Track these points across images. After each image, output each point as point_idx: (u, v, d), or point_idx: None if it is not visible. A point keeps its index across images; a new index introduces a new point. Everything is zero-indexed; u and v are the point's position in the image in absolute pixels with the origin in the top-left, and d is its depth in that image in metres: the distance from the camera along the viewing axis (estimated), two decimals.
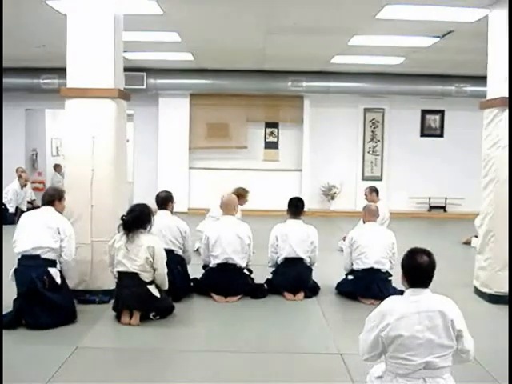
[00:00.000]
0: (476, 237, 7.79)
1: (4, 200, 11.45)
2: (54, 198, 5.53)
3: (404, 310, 3.17)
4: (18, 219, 5.61)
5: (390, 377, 3.20)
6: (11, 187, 11.60)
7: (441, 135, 14.31)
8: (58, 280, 5.26)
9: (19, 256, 5.28)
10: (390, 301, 3.31)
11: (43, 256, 5.22)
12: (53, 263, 5.28)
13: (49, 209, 5.47)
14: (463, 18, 7.55)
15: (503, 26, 6.27)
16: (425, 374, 3.12)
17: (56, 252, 5.30)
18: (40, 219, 5.36)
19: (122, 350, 4.91)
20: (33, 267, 5.18)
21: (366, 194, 9.14)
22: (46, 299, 5.15)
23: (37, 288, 5.11)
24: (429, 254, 3.30)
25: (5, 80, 12.49)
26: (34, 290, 5.13)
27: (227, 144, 13.96)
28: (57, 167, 14.87)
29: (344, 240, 8.85)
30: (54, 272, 5.25)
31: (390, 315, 3.17)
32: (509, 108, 6.14)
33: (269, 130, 14.23)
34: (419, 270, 3.25)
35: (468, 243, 9.38)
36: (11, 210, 11.39)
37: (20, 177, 11.90)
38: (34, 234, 5.26)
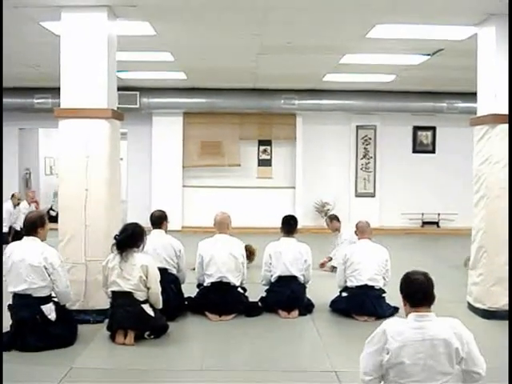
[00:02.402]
0: None
1: None
2: (35, 225, 5.28)
3: (408, 337, 3.12)
4: (12, 238, 5.54)
5: None
6: (4, 207, 11.57)
7: (433, 151, 14.41)
8: (53, 316, 5.17)
9: (12, 293, 5.20)
10: (394, 324, 3.24)
11: (35, 295, 5.12)
12: (46, 299, 5.19)
13: (32, 240, 5.24)
14: (453, 37, 7.64)
15: (492, 44, 6.37)
16: None
17: (48, 287, 5.19)
18: (25, 257, 5.10)
19: (117, 369, 4.88)
20: (25, 306, 5.11)
21: (327, 225, 9.35)
22: (41, 333, 5.11)
23: (31, 325, 5.09)
24: (424, 274, 3.31)
25: None
26: (27, 328, 5.10)
27: (221, 162, 14.00)
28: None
29: (322, 266, 8.92)
30: (47, 309, 5.16)
31: (393, 340, 3.12)
32: (509, 122, 6.19)
33: (262, 148, 14.29)
34: (417, 290, 3.23)
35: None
36: (4, 229, 11.36)
37: (13, 196, 11.89)
38: (21, 275, 5.08)
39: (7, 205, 11.65)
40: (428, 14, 6.72)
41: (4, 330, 5.19)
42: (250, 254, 8.81)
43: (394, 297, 6.19)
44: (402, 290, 3.33)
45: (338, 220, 9.29)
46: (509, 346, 3.11)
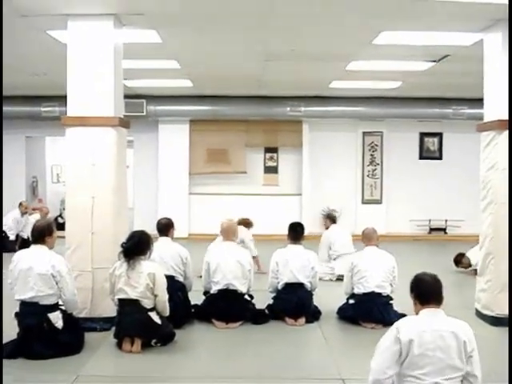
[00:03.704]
0: None
1: (4, 227, 11.50)
2: (43, 233, 5.29)
3: (418, 329, 3.22)
4: (19, 247, 5.54)
5: None
6: (11, 215, 11.65)
7: (439, 157, 14.37)
8: (60, 324, 5.17)
9: (19, 301, 5.21)
10: (405, 320, 3.39)
11: (42, 303, 5.12)
12: (53, 307, 5.20)
13: (39, 248, 5.26)
14: (459, 43, 7.63)
15: (498, 50, 6.37)
16: None
17: (55, 295, 5.19)
18: (32, 265, 5.11)
19: (124, 377, 4.88)
20: (32, 314, 5.11)
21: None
22: (47, 341, 5.12)
23: (38, 332, 5.09)
24: (433, 275, 3.44)
25: (5, 108, 12.54)
26: (34, 335, 5.11)
27: (227, 169, 14.00)
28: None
29: None
30: (54, 317, 5.16)
31: (404, 333, 3.21)
32: (509, 127, 6.18)
33: (268, 155, 14.29)
34: (428, 287, 3.37)
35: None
36: (12, 237, 11.43)
37: (20, 205, 11.96)
38: (28, 283, 5.09)
39: (15, 213, 11.72)
40: (434, 21, 6.71)
41: (11, 338, 5.20)
42: (247, 224, 9.11)
43: (401, 304, 6.20)
44: (412, 289, 3.44)
45: (331, 221, 9.56)
46: (509, 347, 3.13)
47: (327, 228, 9.45)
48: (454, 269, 9.27)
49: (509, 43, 6.12)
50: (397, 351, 3.20)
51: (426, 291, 3.36)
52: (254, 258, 8.45)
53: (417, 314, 3.39)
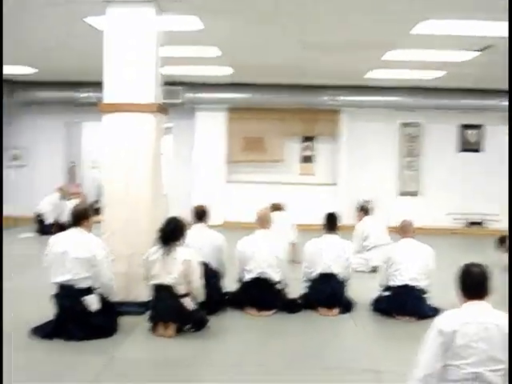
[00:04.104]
0: None
1: (42, 211, 11.72)
2: (81, 217, 5.40)
3: (461, 319, 3.22)
4: (55, 231, 5.61)
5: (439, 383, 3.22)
6: (49, 199, 11.86)
7: (479, 150, 14.11)
8: (95, 307, 5.25)
9: (55, 284, 5.31)
10: (448, 313, 3.36)
11: (77, 286, 5.21)
12: (88, 290, 5.27)
13: (77, 232, 5.35)
14: (502, 33, 7.45)
15: None
16: None
17: (91, 278, 5.26)
18: (68, 249, 5.21)
19: (157, 361, 4.94)
20: (67, 297, 5.21)
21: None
22: (82, 323, 5.21)
23: (73, 315, 5.19)
24: (482, 266, 3.41)
25: (45, 93, 12.84)
26: (69, 317, 5.21)
27: (263, 158, 13.99)
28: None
29: None
30: (89, 299, 5.23)
31: (445, 324, 3.22)
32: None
33: (305, 144, 14.23)
34: (474, 282, 3.33)
35: None
36: (49, 220, 11.64)
37: (60, 189, 12.17)
38: (64, 266, 5.19)
39: (53, 197, 11.91)
40: (477, 10, 6.56)
41: (46, 320, 5.30)
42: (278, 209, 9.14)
43: (436, 297, 6.13)
44: (458, 281, 3.40)
45: (365, 213, 9.52)
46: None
47: (360, 220, 9.38)
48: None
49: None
50: (442, 343, 3.20)
51: (472, 284, 3.33)
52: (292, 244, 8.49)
53: (461, 305, 3.36)
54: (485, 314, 3.24)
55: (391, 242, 8.70)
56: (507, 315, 3.29)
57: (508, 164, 6.15)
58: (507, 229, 10.60)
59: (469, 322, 3.20)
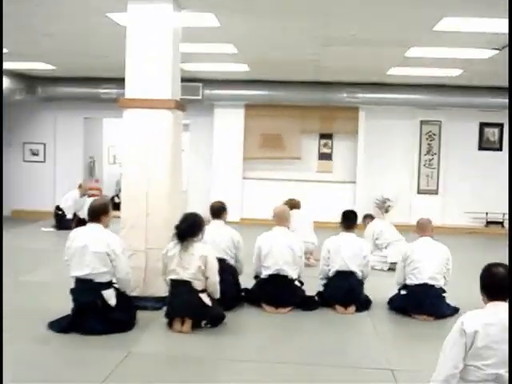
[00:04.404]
0: None
1: (63, 206, 11.86)
2: (99, 213, 5.43)
3: (482, 320, 3.20)
4: (75, 225, 5.66)
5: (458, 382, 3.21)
6: (71, 195, 12.00)
7: (499, 149, 13.96)
8: (113, 301, 5.28)
9: (74, 278, 5.35)
10: (470, 313, 3.34)
11: (96, 280, 5.24)
12: (107, 285, 5.31)
13: (95, 227, 5.39)
14: None
15: None
16: None
17: (109, 273, 5.30)
18: (88, 243, 5.24)
19: (173, 356, 4.96)
20: (86, 291, 5.24)
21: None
22: (100, 318, 5.24)
23: (91, 309, 5.23)
24: (505, 266, 3.36)
25: (65, 89, 12.95)
26: (87, 311, 5.25)
27: (281, 155, 13.96)
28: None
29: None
30: (108, 294, 5.27)
31: (467, 324, 3.20)
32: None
33: (323, 142, 14.17)
34: (497, 282, 3.30)
35: None
36: (69, 215, 11.78)
37: (80, 186, 12.32)
38: (83, 261, 5.22)
39: (74, 193, 12.08)
40: (497, 7, 6.49)
41: (64, 314, 5.35)
42: (294, 206, 8.96)
43: (454, 297, 6.09)
44: (482, 280, 3.38)
45: (371, 219, 9.59)
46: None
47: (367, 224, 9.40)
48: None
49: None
50: (464, 344, 3.19)
51: (496, 285, 3.29)
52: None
53: (485, 305, 3.34)
54: (506, 315, 3.21)
55: (403, 238, 8.71)
56: None
57: (508, 164, 6.08)
58: None
59: (491, 323, 3.17)
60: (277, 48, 9.34)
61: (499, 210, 13.58)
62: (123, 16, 6.60)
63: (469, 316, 3.28)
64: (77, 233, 5.48)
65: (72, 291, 5.35)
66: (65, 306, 5.39)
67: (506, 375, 3.11)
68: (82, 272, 5.25)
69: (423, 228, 6.58)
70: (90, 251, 5.22)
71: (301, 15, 7.22)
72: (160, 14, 6.18)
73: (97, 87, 12.83)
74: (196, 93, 12.69)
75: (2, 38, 7.08)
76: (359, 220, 6.99)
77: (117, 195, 14.90)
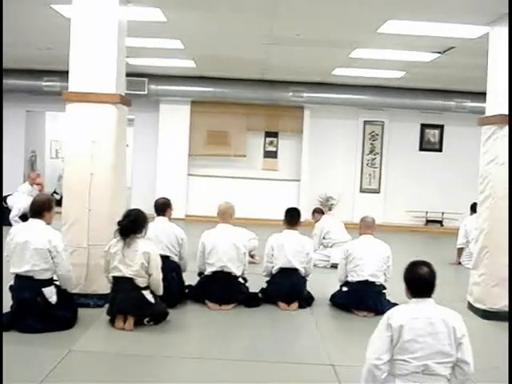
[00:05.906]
0: None
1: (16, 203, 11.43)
2: (42, 209, 5.30)
3: (408, 315, 3.31)
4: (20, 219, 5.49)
5: (388, 378, 3.29)
6: (23, 189, 11.59)
7: (440, 150, 14.36)
8: (53, 299, 5.19)
9: (14, 274, 5.21)
10: (396, 308, 3.48)
11: (37, 277, 5.13)
12: (47, 282, 5.20)
13: (37, 223, 5.26)
14: (464, 35, 7.60)
15: (503, 44, 6.32)
16: (422, 378, 3.23)
17: (50, 270, 5.20)
18: (29, 239, 5.11)
19: (115, 354, 4.90)
20: (26, 288, 5.12)
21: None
22: (41, 315, 5.13)
23: (31, 306, 5.11)
24: (428, 264, 3.46)
25: (7, 81, 12.54)
26: (28, 309, 5.13)
27: (226, 152, 13.99)
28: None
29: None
30: (48, 291, 5.17)
31: (395, 320, 3.30)
32: (509, 123, 6.17)
33: (268, 140, 14.27)
34: (420, 280, 3.40)
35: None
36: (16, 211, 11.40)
37: (28, 177, 12.05)
38: (24, 257, 5.10)
39: (25, 187, 11.68)
40: (441, 12, 6.68)
41: (4, 311, 5.22)
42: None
43: (394, 293, 6.22)
44: (405, 278, 3.49)
45: (321, 213, 9.57)
46: (509, 346, 3.17)
47: (317, 221, 9.40)
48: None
49: (509, 40, 6.10)
50: (389, 337, 3.29)
51: (419, 282, 3.40)
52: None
53: (409, 301, 3.45)
54: (430, 310, 3.34)
55: (351, 239, 8.82)
56: (451, 310, 3.40)
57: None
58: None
59: (416, 318, 3.29)
60: (224, 45, 9.35)
61: (438, 209, 13.97)
62: (68, 8, 6.47)
63: (394, 311, 3.40)
64: (18, 228, 5.37)
65: (11, 288, 5.23)
66: (4, 303, 5.26)
67: (434, 365, 3.22)
68: (22, 269, 5.13)
69: (367, 226, 6.67)
70: (31, 247, 5.10)
71: (248, 14, 7.26)
72: (106, 7, 6.07)
73: (40, 80, 12.54)
74: (141, 88, 12.58)
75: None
76: (308, 215, 7.05)
77: (55, 191, 14.57)
